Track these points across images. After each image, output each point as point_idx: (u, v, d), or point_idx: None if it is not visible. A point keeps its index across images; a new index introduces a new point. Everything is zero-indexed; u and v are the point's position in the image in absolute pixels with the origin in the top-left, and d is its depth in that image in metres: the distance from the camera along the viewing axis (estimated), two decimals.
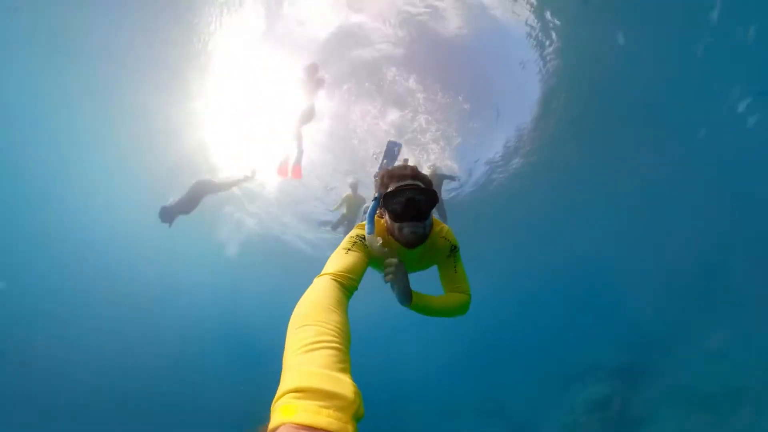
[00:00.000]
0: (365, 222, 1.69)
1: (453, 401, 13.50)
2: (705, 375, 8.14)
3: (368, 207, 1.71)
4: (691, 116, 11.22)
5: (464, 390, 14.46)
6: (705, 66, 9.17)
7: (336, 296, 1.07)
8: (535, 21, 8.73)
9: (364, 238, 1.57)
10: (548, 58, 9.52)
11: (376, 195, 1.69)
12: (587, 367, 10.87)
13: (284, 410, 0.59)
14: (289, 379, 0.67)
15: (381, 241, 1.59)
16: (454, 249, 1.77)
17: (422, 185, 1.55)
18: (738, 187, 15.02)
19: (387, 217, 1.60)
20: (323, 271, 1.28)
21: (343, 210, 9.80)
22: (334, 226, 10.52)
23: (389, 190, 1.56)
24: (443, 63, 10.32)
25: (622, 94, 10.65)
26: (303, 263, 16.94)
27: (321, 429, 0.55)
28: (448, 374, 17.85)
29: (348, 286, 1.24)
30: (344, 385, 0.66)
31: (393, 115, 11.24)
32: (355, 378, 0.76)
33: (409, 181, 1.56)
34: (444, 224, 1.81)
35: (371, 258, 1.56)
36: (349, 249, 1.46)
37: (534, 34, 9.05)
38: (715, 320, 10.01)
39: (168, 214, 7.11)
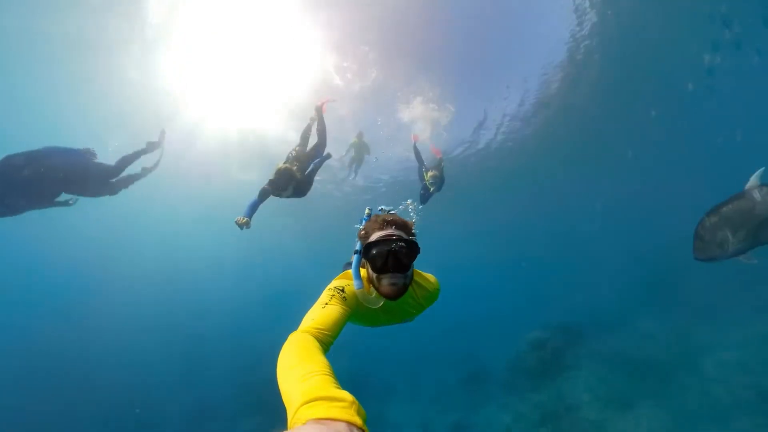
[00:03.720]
0: (350, 270, 1.62)
1: (425, 352, 14.76)
2: (630, 346, 9.37)
3: (352, 260, 1.61)
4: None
5: (438, 344, 15.71)
6: None
7: (314, 345, 1.05)
8: None
9: (343, 290, 1.47)
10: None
11: (358, 247, 1.57)
12: (541, 323, 12.41)
13: (302, 416, 0.64)
14: (294, 401, 0.70)
15: (375, 294, 1.51)
16: (438, 290, 1.85)
17: (404, 235, 1.48)
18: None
19: (368, 267, 1.51)
20: (299, 327, 1.24)
21: (351, 153, 11.15)
22: (348, 167, 11.93)
23: (370, 240, 1.48)
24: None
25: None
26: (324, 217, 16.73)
27: (336, 419, 0.61)
28: (426, 335, 19.47)
29: (323, 341, 1.18)
30: (343, 393, 0.71)
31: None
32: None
33: (390, 231, 1.48)
34: (430, 274, 1.83)
35: (354, 309, 1.49)
36: (327, 303, 1.37)
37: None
38: (654, 307, 11.35)
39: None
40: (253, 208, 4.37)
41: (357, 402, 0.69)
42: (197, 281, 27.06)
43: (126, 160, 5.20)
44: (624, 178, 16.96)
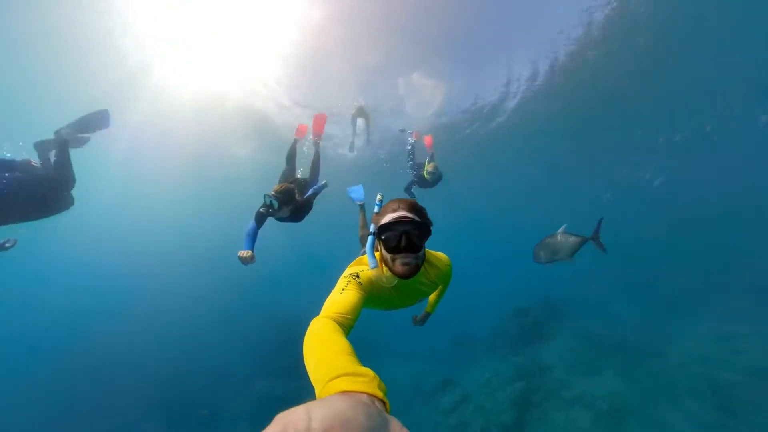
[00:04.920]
0: (362, 257, 1.71)
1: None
2: (604, 326, 10.06)
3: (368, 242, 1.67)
4: None
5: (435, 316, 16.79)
6: None
7: (336, 329, 1.10)
8: None
9: (358, 276, 1.53)
10: None
11: (372, 230, 1.64)
12: (527, 296, 13.20)
13: (329, 390, 0.70)
14: (322, 378, 0.76)
15: (389, 274, 1.56)
16: (449, 266, 1.93)
17: (416, 218, 1.52)
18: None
19: (381, 248, 1.56)
20: (320, 313, 1.29)
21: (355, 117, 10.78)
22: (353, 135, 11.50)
23: (384, 222, 1.52)
24: None
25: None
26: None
27: (360, 392, 0.66)
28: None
29: (344, 324, 1.25)
30: (366, 370, 0.76)
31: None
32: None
33: (403, 213, 1.52)
34: (440, 253, 1.91)
35: (369, 294, 1.55)
36: (344, 289, 1.43)
37: None
38: (634, 296, 12.18)
39: None
40: (253, 236, 3.79)
41: (378, 378, 0.73)
42: (216, 254, 27.44)
43: (65, 157, 3.87)
44: (626, 170, 17.28)
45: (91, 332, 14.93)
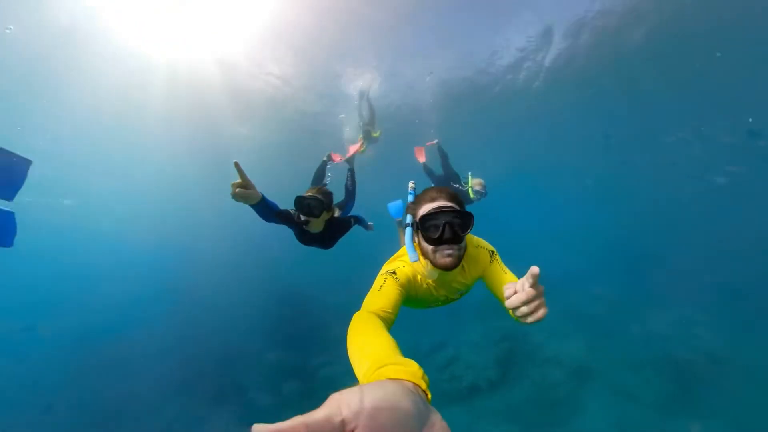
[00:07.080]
0: (397, 252, 1.68)
1: None
2: (580, 301, 10.99)
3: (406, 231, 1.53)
4: None
5: None
6: None
7: (378, 322, 1.11)
8: None
9: (395, 272, 1.48)
10: None
11: (408, 222, 1.54)
12: (517, 270, 13.73)
13: (378, 376, 0.71)
14: (367, 367, 0.78)
15: (430, 267, 1.49)
16: (492, 254, 1.70)
17: (457, 207, 1.44)
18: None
19: (421, 240, 1.47)
20: (361, 309, 1.29)
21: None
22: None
23: (424, 213, 1.44)
24: None
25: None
26: None
27: (404, 380, 0.67)
28: None
29: (385, 319, 1.24)
30: (410, 361, 0.76)
31: None
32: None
33: (443, 202, 1.44)
34: (473, 235, 1.74)
35: (408, 291, 1.50)
36: (382, 285, 1.41)
37: None
38: (614, 278, 13.17)
39: None
40: (269, 204, 2.56)
41: (422, 370, 0.74)
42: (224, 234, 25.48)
43: None
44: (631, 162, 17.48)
45: (104, 323, 14.72)
